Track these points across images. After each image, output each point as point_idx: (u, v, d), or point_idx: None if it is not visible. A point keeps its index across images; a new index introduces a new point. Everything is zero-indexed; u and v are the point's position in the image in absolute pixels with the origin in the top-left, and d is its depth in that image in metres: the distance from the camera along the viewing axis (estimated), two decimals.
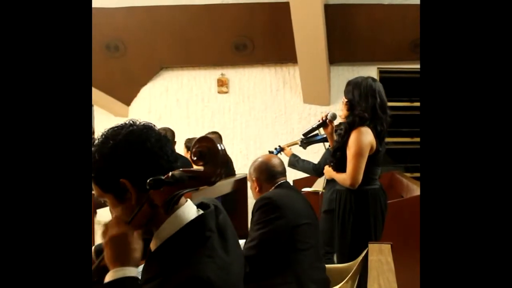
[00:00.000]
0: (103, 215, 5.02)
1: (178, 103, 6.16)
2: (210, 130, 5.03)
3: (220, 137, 4.55)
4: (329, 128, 2.68)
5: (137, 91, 6.20)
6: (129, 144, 1.00)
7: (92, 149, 1.02)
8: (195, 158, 1.02)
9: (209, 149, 1.01)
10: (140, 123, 1.06)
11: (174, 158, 1.06)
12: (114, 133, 1.03)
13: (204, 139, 1.03)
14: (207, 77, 6.09)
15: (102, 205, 3.57)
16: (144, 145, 1.01)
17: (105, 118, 6.24)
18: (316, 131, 3.01)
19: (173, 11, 5.55)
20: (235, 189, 4.27)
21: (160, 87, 6.18)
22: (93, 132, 6.50)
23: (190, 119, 6.12)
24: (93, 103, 6.23)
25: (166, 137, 1.07)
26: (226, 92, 6.07)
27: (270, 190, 2.13)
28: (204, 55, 5.85)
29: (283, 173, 2.21)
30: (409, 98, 5.71)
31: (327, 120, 2.67)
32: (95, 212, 4.76)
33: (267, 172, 2.16)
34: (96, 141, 1.03)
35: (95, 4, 4.99)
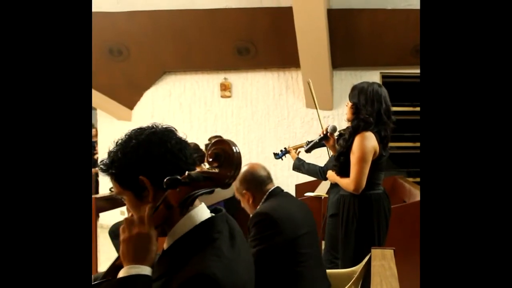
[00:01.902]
0: (106, 219, 5.03)
1: (181, 107, 6.18)
2: (213, 134, 5.04)
3: None
4: (331, 141, 2.72)
5: (140, 95, 6.22)
6: (151, 144, 1.07)
7: (114, 148, 1.08)
8: (210, 160, 1.06)
9: (224, 151, 1.05)
10: (162, 126, 1.14)
11: (192, 161, 1.11)
12: (137, 133, 1.10)
13: (220, 142, 1.07)
14: (209, 81, 6.11)
15: (105, 209, 3.58)
16: (165, 145, 1.08)
17: (108, 121, 6.26)
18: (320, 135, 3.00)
19: (176, 16, 5.55)
20: None
21: (163, 91, 6.19)
22: (96, 135, 6.53)
23: (193, 123, 6.14)
24: (96, 106, 6.24)
25: (186, 141, 1.13)
26: (229, 96, 6.08)
27: (263, 200, 2.04)
28: (206, 59, 5.86)
29: (270, 177, 2.12)
30: (411, 103, 5.69)
31: (328, 134, 2.71)
32: (98, 216, 4.76)
33: (254, 180, 2.06)
34: (119, 141, 1.09)
35: (98, 9, 5.03)
